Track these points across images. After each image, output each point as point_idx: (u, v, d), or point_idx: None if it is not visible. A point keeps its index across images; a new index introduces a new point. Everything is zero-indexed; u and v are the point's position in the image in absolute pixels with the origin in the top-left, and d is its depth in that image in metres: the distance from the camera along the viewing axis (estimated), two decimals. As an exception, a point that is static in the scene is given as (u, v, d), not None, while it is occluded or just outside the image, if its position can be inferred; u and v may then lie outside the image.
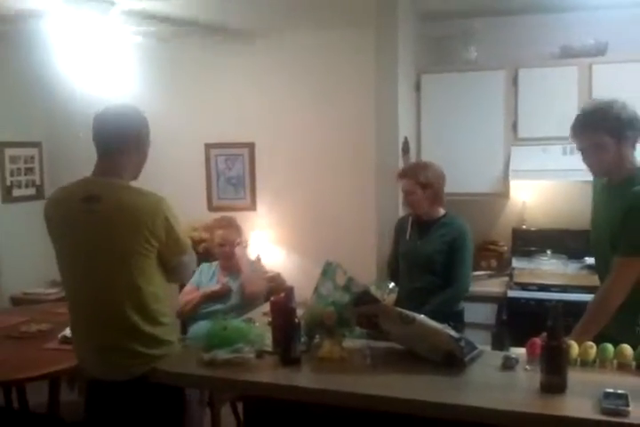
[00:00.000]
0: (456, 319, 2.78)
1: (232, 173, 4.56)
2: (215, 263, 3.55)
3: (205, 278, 3.48)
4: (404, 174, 2.96)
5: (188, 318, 3.37)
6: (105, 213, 2.00)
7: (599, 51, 3.62)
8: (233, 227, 3.48)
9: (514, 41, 3.88)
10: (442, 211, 2.96)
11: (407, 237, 3.00)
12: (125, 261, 2.01)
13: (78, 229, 2.03)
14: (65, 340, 2.69)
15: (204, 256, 3.76)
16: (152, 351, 2.05)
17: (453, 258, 2.84)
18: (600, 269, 2.31)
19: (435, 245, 2.86)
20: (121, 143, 2.05)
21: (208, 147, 4.56)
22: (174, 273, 2.17)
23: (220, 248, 3.43)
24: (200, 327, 3.10)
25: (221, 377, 1.95)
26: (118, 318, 2.02)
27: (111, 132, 2.06)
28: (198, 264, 3.68)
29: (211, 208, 4.57)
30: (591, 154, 2.19)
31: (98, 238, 2.02)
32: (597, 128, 2.13)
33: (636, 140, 2.19)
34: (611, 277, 2.10)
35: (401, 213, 3.63)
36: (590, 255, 2.95)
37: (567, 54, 3.69)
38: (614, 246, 2.14)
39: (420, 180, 2.87)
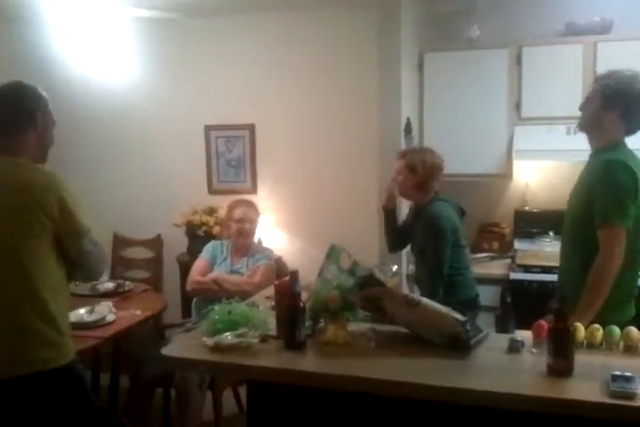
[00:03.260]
0: (470, 306, 2.70)
1: (232, 155, 4.50)
2: (226, 242, 3.52)
3: (220, 258, 3.44)
4: (398, 155, 2.92)
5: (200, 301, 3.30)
6: None
7: (604, 28, 3.56)
8: (254, 207, 3.56)
9: (518, 18, 3.81)
10: (428, 198, 2.83)
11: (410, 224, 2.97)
12: (16, 242, 1.90)
13: None
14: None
15: (205, 240, 3.75)
16: (39, 353, 1.93)
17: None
18: (563, 240, 2.42)
19: (419, 236, 2.82)
20: (14, 122, 2.00)
21: (208, 128, 4.49)
22: (78, 264, 2.04)
23: (238, 224, 3.42)
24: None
25: (226, 362, 1.93)
26: (8, 305, 1.92)
27: (3, 110, 2.01)
28: (198, 247, 3.67)
29: (211, 191, 4.52)
30: (584, 101, 2.35)
31: None
32: (603, 80, 2.29)
33: (623, 113, 2.23)
34: (600, 251, 2.14)
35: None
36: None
37: (572, 32, 3.63)
38: (576, 217, 2.26)
39: (407, 162, 2.80)
